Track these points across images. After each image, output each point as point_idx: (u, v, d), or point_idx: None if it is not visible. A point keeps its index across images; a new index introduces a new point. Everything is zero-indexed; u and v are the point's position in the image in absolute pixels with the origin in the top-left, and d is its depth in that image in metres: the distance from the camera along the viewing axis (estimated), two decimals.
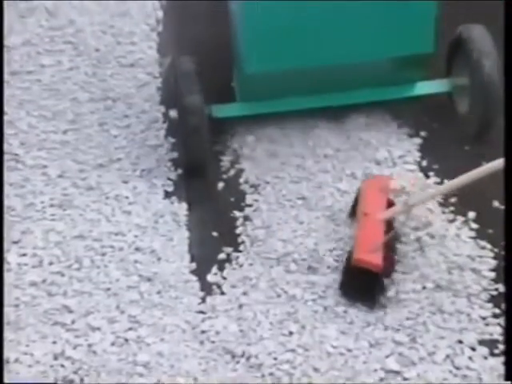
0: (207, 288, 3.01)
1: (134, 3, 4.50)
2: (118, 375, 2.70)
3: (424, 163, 3.47)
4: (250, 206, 3.34)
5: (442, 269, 2.98)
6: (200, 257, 3.14)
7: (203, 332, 2.84)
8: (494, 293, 2.91)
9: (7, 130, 3.67)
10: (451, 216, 3.21)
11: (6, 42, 4.18)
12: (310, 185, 3.39)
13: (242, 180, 3.48)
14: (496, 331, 2.78)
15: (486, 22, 3.56)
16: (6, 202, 3.28)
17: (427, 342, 2.76)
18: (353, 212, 3.18)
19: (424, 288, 2.93)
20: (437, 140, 3.58)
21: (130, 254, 3.12)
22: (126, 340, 2.81)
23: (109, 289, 2.99)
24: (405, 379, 2.66)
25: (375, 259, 2.85)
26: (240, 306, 2.92)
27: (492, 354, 2.72)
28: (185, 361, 2.74)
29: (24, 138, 3.67)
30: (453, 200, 3.26)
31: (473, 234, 3.13)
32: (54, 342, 2.80)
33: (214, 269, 3.08)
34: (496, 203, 3.23)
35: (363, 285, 2.86)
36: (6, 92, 3.85)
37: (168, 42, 4.25)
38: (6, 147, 3.56)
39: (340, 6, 3.25)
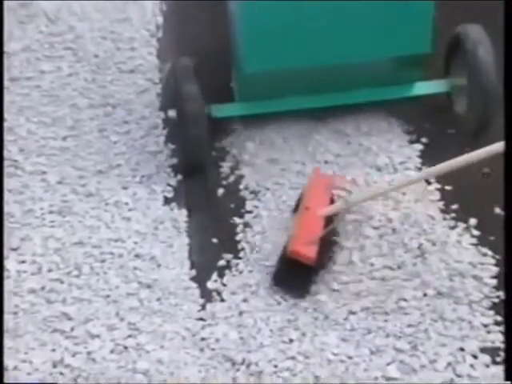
0: (207, 295, 2.99)
1: (134, 9, 4.51)
2: (118, 383, 2.69)
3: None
4: (250, 212, 3.33)
5: (443, 276, 2.97)
6: (200, 263, 3.13)
7: (203, 339, 2.83)
8: (496, 300, 2.89)
9: (7, 137, 3.66)
10: (452, 223, 3.19)
11: (6, 48, 4.17)
12: None
13: (241, 186, 3.47)
14: (498, 339, 2.76)
15: (485, 21, 3.56)
16: (5, 209, 3.27)
17: (428, 350, 2.74)
18: (296, 208, 3.20)
19: (425, 295, 2.91)
20: (437, 145, 3.57)
21: (130, 260, 3.11)
22: (126, 347, 2.79)
23: (108, 296, 2.97)
24: None
25: (310, 252, 2.89)
26: (240, 313, 2.91)
27: (494, 362, 2.70)
28: (185, 368, 2.73)
29: (23, 145, 3.66)
30: (454, 207, 3.25)
31: (474, 240, 3.12)
32: (53, 350, 2.79)
33: (214, 275, 3.07)
34: (497, 210, 3.22)
35: (296, 276, 2.92)
36: (6, 98, 3.84)
37: (168, 48, 4.25)
38: (5, 153, 3.55)
39: (338, 6, 3.25)
